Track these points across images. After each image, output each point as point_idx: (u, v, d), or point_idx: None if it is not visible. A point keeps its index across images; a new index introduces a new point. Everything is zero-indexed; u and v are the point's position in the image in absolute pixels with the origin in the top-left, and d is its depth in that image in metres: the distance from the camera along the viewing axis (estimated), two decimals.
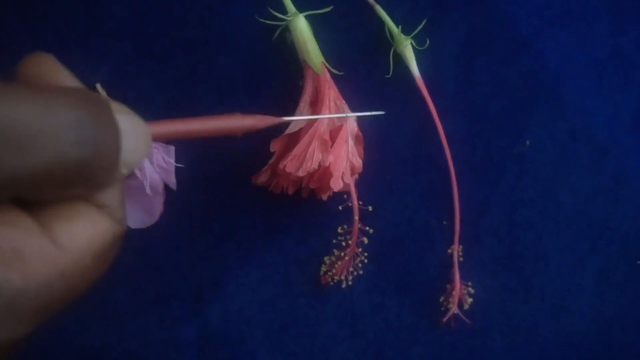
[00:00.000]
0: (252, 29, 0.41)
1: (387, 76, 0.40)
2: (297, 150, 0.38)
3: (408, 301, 0.42)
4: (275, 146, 0.39)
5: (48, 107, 0.21)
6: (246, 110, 0.40)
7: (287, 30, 0.39)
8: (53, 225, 0.22)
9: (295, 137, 0.39)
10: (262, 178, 0.39)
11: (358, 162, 0.39)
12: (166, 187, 0.40)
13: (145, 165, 0.40)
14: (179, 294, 0.41)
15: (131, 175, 0.40)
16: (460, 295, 0.41)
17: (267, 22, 0.39)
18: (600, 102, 0.42)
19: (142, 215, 0.40)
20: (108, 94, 0.40)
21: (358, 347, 0.42)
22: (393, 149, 0.41)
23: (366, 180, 0.41)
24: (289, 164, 0.38)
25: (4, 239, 0.21)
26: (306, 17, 0.39)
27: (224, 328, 0.41)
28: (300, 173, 0.37)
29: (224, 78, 0.41)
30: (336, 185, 0.37)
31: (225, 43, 0.41)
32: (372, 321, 0.42)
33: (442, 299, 0.41)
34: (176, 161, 0.40)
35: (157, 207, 0.40)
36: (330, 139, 0.38)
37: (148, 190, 0.39)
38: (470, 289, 0.41)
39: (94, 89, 0.40)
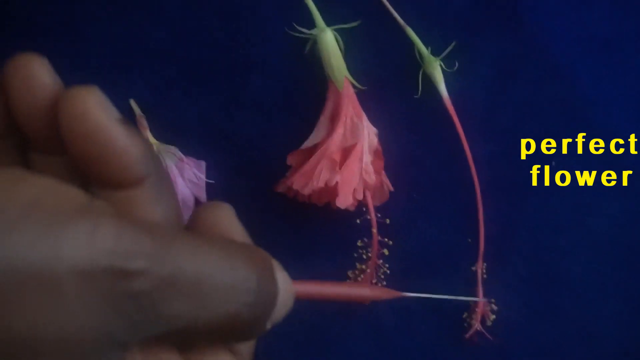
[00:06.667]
0: (285, 48, 0.41)
1: (415, 96, 0.41)
2: (306, 167, 0.38)
3: (432, 317, 0.42)
4: (292, 160, 0.39)
5: (229, 263, 0.21)
6: (281, 129, 0.41)
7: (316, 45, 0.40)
8: None
9: (310, 152, 0.39)
10: (280, 188, 0.40)
11: (371, 179, 0.39)
12: (197, 201, 0.41)
13: (177, 180, 0.40)
14: None
15: None
16: (483, 311, 0.42)
17: (295, 34, 0.40)
18: (633, 131, 0.42)
19: None
20: (142, 111, 0.41)
21: None
22: (420, 168, 0.42)
23: (393, 198, 0.41)
24: (296, 181, 0.38)
25: None
26: (338, 34, 0.40)
27: None
28: (306, 191, 0.38)
29: (261, 99, 0.42)
30: (343, 203, 0.38)
31: (260, 65, 0.41)
32: (396, 336, 0.42)
33: (465, 315, 0.42)
34: (207, 177, 0.41)
35: None
36: (343, 156, 0.39)
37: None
38: (493, 305, 0.42)
39: (129, 104, 0.41)
